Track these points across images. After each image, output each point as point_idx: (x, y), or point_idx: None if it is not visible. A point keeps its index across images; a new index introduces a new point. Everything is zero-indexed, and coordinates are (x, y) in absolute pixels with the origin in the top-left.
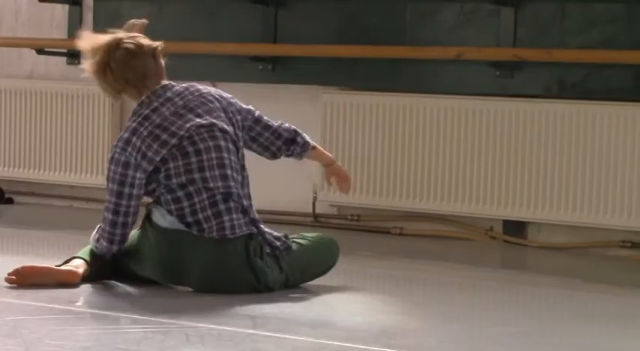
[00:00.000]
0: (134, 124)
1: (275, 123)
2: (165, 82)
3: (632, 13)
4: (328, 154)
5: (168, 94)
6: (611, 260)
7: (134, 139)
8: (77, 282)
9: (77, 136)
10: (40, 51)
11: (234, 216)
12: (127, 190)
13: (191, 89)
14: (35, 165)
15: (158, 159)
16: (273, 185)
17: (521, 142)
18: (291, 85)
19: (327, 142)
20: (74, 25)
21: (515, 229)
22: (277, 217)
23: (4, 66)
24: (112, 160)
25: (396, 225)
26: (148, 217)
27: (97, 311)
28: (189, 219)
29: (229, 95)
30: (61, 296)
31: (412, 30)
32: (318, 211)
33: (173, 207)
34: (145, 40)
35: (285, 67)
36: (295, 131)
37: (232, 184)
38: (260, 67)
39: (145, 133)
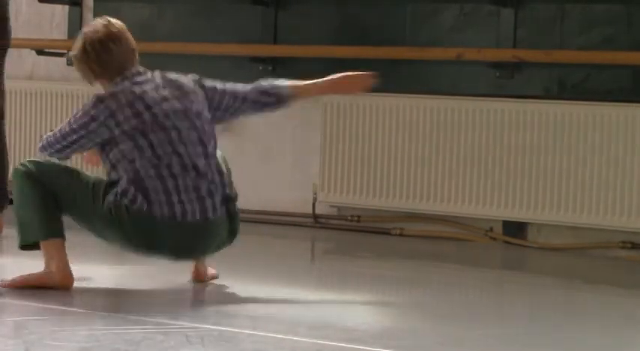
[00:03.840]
0: (113, 89)
1: (242, 88)
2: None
3: (631, 14)
4: (310, 83)
5: (147, 75)
6: (611, 261)
7: (108, 98)
8: (71, 285)
9: None
10: (40, 52)
11: (216, 199)
12: (77, 135)
13: (165, 74)
14: None
15: (127, 127)
16: (273, 185)
17: (521, 142)
18: None
19: (328, 142)
20: (74, 26)
21: (516, 229)
22: (277, 218)
23: None
24: (82, 108)
25: (397, 226)
26: (122, 206)
27: (96, 312)
28: (174, 198)
29: (196, 76)
30: (60, 297)
31: (412, 31)
32: (318, 211)
33: (159, 185)
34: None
35: (285, 67)
36: (261, 91)
37: (212, 161)
38: (260, 67)
39: (124, 100)
